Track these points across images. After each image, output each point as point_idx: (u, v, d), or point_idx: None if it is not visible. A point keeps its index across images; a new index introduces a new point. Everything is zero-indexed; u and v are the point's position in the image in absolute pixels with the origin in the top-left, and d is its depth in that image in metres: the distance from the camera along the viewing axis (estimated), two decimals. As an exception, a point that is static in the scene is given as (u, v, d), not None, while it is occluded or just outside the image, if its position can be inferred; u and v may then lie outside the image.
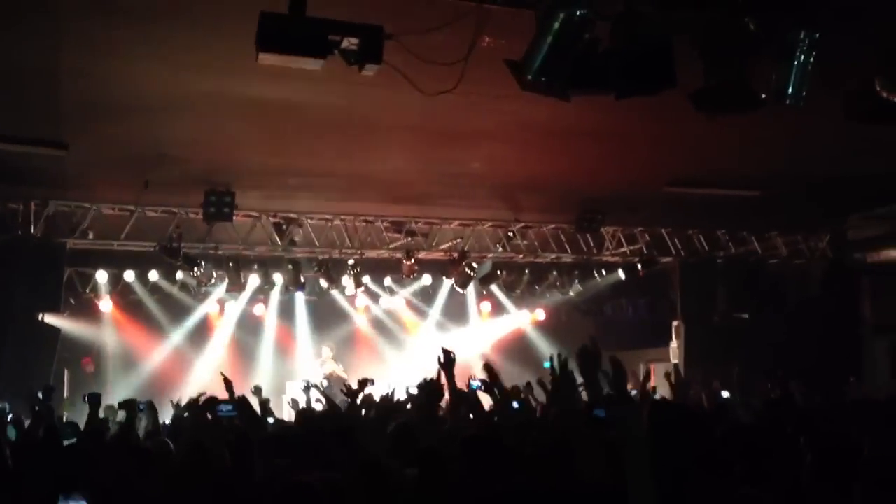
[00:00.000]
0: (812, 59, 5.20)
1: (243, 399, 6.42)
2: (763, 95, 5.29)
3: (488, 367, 5.98)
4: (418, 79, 6.00)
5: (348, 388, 7.88)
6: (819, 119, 8.10)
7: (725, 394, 10.63)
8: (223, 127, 9.19)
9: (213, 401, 5.79)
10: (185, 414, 7.20)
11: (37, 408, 7.26)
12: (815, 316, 14.70)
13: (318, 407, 9.27)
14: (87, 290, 14.48)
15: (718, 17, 5.10)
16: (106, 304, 14.64)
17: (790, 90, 5.09)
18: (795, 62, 5.03)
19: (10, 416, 9.17)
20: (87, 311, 14.71)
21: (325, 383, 10.97)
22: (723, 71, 5.06)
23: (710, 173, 11.31)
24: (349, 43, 5.34)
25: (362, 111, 8.62)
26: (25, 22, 6.48)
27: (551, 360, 5.06)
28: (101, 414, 7.39)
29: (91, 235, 12.35)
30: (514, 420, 5.48)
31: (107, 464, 4.63)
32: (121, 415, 7.23)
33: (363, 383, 7.51)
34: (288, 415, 10.49)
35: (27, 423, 9.31)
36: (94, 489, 4.06)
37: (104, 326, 15.10)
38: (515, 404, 6.31)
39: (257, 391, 9.07)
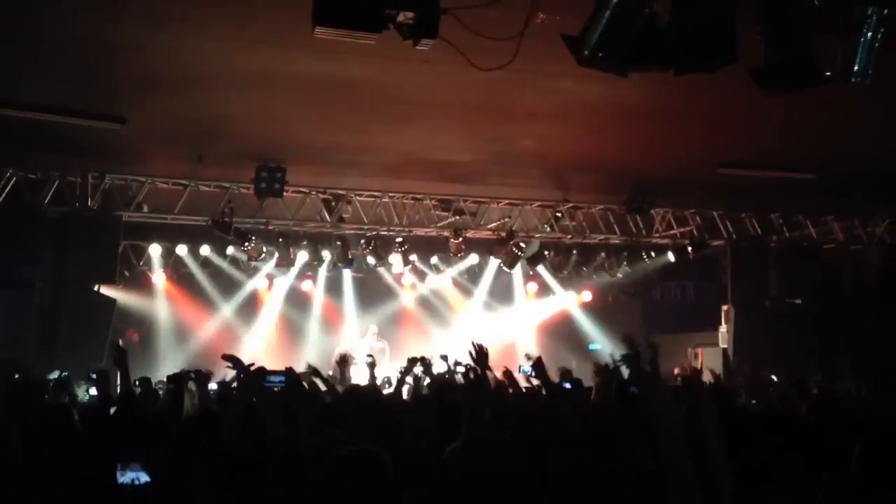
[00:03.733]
0: (879, 37, 5.03)
1: (292, 370, 6.48)
2: (827, 73, 5.14)
3: (538, 364, 5.80)
4: (472, 55, 5.96)
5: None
6: (880, 99, 7.88)
7: (774, 378, 10.45)
8: (276, 103, 9.27)
9: (262, 371, 5.83)
10: (234, 384, 7.30)
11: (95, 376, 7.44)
12: (871, 303, 14.37)
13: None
14: (141, 263, 14.80)
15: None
16: (159, 277, 14.94)
17: (856, 68, 4.93)
18: (862, 39, 4.87)
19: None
20: (141, 283, 15.02)
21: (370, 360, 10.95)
22: (785, 47, 4.92)
23: (765, 155, 11.07)
24: (405, 17, 5.33)
25: (414, 88, 8.61)
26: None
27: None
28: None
29: (146, 209, 12.60)
30: (569, 400, 5.44)
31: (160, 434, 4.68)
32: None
33: (413, 362, 7.52)
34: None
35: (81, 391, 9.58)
36: (152, 459, 4.11)
37: (156, 299, 15.41)
38: (567, 384, 6.28)
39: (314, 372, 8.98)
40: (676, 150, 10.88)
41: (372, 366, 8.92)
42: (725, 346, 14.95)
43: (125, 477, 4.04)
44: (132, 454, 4.25)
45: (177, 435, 4.44)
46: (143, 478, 4.08)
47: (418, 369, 7.71)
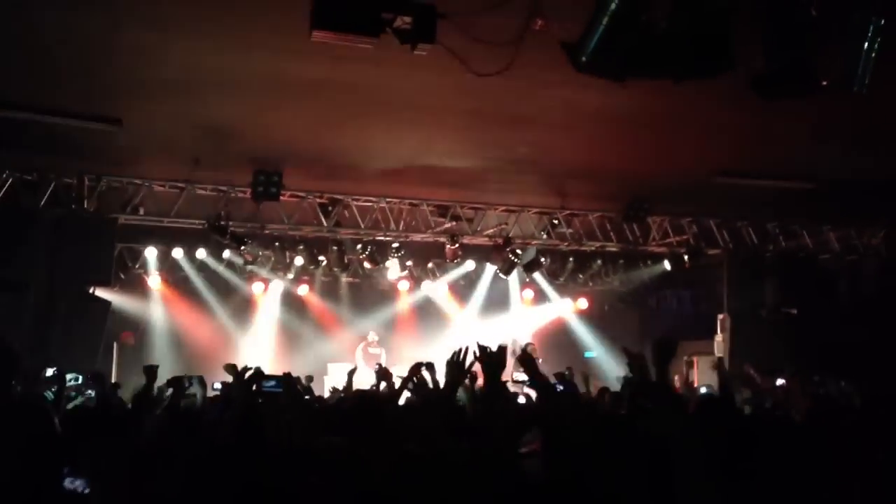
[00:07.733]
0: (877, 46, 5.04)
1: (289, 375, 6.43)
2: (824, 82, 5.14)
3: (525, 361, 5.18)
4: (470, 60, 5.96)
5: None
6: (878, 108, 7.90)
7: (780, 381, 10.36)
8: (273, 106, 9.25)
9: (259, 375, 5.79)
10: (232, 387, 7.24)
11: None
12: (868, 314, 14.36)
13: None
14: (137, 266, 14.76)
15: (780, -1, 4.97)
16: (154, 280, 14.90)
17: (855, 77, 4.93)
18: (862, 48, 4.87)
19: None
20: (136, 286, 14.99)
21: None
22: (784, 55, 4.93)
23: (763, 164, 11.08)
24: (402, 21, 5.34)
25: (412, 93, 8.60)
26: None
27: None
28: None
29: (142, 211, 12.56)
30: (564, 403, 5.36)
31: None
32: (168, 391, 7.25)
33: (417, 367, 7.43)
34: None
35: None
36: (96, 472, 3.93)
37: (152, 302, 15.37)
38: (560, 386, 6.21)
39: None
40: (674, 158, 10.89)
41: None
42: (721, 354, 14.91)
43: (72, 484, 3.80)
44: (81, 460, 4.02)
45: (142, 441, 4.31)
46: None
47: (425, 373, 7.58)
